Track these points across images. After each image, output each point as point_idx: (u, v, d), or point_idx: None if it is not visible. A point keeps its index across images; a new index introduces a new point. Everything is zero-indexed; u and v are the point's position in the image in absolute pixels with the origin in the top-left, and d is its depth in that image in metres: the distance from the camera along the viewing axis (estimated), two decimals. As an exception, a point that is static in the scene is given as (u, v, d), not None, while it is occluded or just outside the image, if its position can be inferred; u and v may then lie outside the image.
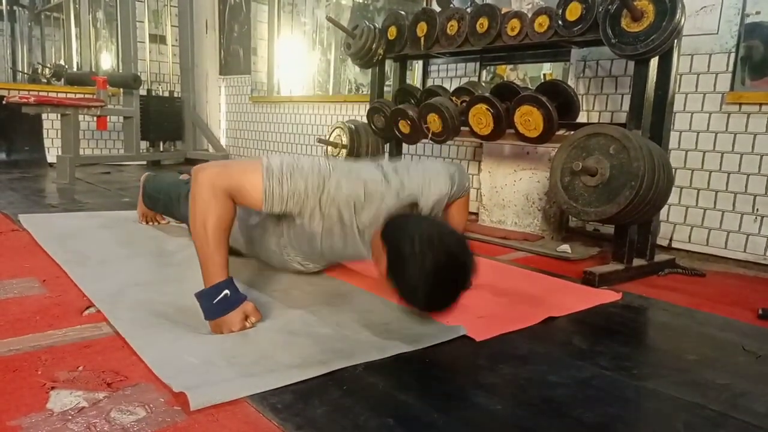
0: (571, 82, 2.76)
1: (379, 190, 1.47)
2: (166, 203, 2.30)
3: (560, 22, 2.25)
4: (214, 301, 1.30)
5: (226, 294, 1.30)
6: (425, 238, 1.20)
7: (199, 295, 1.31)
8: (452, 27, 2.66)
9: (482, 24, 2.53)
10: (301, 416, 0.96)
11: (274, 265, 1.78)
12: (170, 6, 5.69)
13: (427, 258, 1.18)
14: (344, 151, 3.21)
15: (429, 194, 1.59)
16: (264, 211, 1.38)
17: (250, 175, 1.34)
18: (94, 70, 5.62)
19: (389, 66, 3.24)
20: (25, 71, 5.90)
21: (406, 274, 1.21)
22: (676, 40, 2.01)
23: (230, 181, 1.33)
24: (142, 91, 5.15)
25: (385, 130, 3.07)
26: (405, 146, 3.37)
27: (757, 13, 2.25)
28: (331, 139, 3.33)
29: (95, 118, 4.52)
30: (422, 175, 1.60)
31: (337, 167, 1.45)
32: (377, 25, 3.00)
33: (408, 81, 3.33)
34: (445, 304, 1.28)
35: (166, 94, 5.66)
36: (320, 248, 1.56)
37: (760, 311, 1.68)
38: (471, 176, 3.32)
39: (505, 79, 3.28)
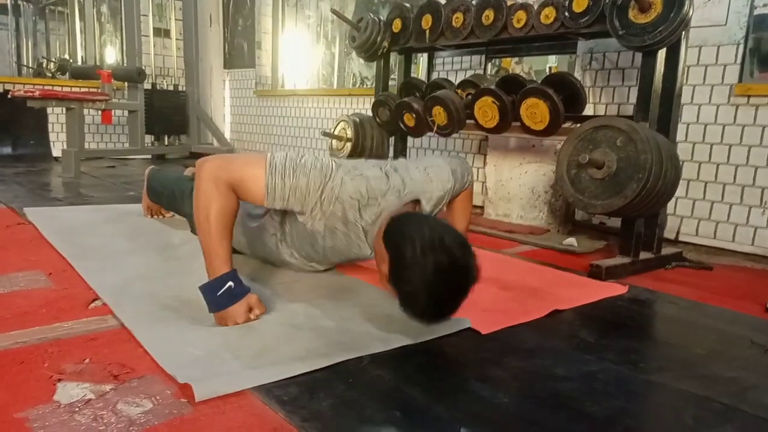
0: (577, 75, 2.74)
1: (381, 188, 1.46)
2: (170, 198, 2.30)
3: (567, 14, 2.23)
4: (218, 293, 1.30)
5: (230, 286, 1.30)
6: (427, 243, 1.18)
7: (203, 288, 1.32)
8: (458, 19, 2.65)
9: (488, 16, 2.52)
10: (307, 409, 0.95)
11: (276, 265, 1.78)
12: (174, 0, 5.68)
13: (429, 265, 1.16)
14: (349, 144, 3.20)
15: (431, 192, 1.59)
16: (266, 205, 1.37)
17: (252, 169, 1.34)
18: (98, 64, 5.62)
19: (394, 59, 3.23)
20: (30, 65, 5.91)
21: (408, 281, 1.19)
22: (684, 32, 1.99)
23: (233, 173, 1.32)
24: (147, 85, 5.15)
25: (390, 124, 3.06)
26: (410, 139, 3.35)
27: (765, 5, 2.22)
28: (336, 133, 3.32)
29: (100, 112, 4.51)
30: (423, 173, 1.59)
31: (340, 165, 1.44)
32: (382, 18, 2.99)
33: (413, 74, 3.31)
34: (445, 311, 1.25)
35: (171, 87, 5.66)
36: (322, 248, 1.55)
37: (768, 305, 1.67)
38: (476, 169, 3.30)
39: (511, 72, 3.27)
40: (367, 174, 1.47)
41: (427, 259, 1.16)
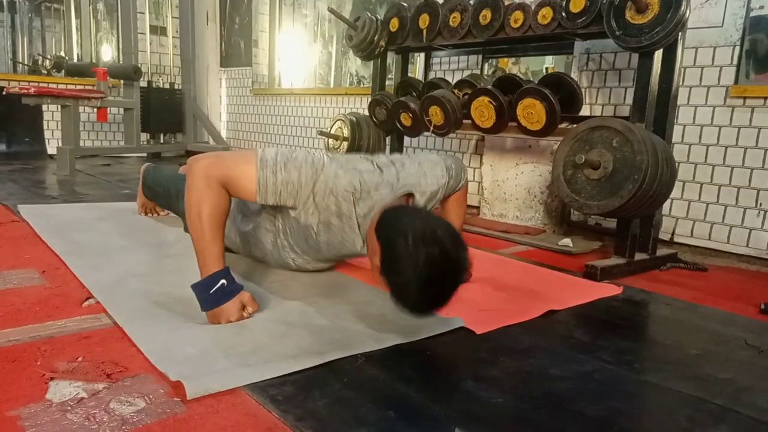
0: (574, 75, 2.74)
1: (374, 181, 1.46)
2: (165, 197, 2.29)
3: (564, 14, 2.23)
4: (211, 291, 1.29)
5: (223, 284, 1.30)
6: (419, 235, 1.18)
7: (196, 286, 1.31)
8: (455, 19, 2.64)
9: (485, 16, 2.51)
10: (301, 408, 0.95)
11: (271, 264, 1.77)
12: (171, -3, 5.67)
13: (420, 257, 1.15)
14: (345, 143, 3.19)
15: (425, 186, 1.59)
16: (258, 201, 1.37)
17: (243, 165, 1.34)
18: (94, 61, 5.60)
19: (391, 58, 3.22)
20: (26, 62, 5.88)
21: (399, 272, 1.18)
22: (680, 33, 2.00)
23: (224, 171, 1.32)
24: (143, 83, 5.13)
25: (387, 123, 3.05)
26: (407, 139, 3.35)
27: (761, 7, 2.23)
28: (332, 132, 3.32)
29: (95, 110, 4.50)
30: (418, 167, 1.59)
31: (333, 158, 1.44)
32: (379, 17, 2.98)
33: (410, 74, 3.31)
34: (436, 304, 1.24)
35: (167, 86, 5.64)
36: (316, 242, 1.54)
37: (763, 306, 1.68)
38: (473, 170, 3.30)
39: (508, 73, 3.27)
40: (360, 168, 1.47)
41: (419, 251, 1.16)
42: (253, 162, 1.34)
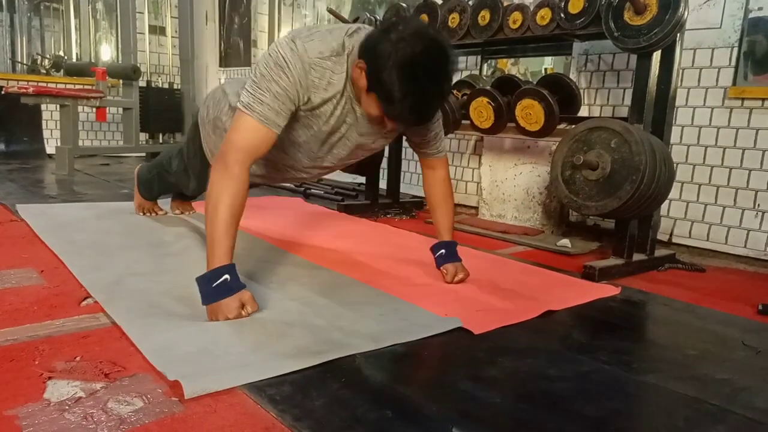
0: (572, 76, 2.74)
1: (345, 32, 1.42)
2: (159, 173, 2.28)
3: (562, 15, 2.24)
4: (213, 285, 1.30)
5: (226, 279, 1.30)
6: (400, 34, 1.21)
7: (200, 279, 1.32)
8: (453, 20, 2.65)
9: (484, 17, 2.52)
10: (299, 408, 0.95)
11: (301, 167, 1.70)
12: (170, -3, 5.67)
13: (401, 51, 1.18)
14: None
15: None
16: (278, 132, 1.37)
17: (242, 127, 1.35)
18: (93, 61, 5.59)
19: (390, 58, 3.22)
20: (25, 62, 5.87)
21: (384, 76, 1.19)
22: (678, 34, 2.00)
23: (237, 148, 1.34)
24: (142, 83, 5.12)
25: (386, 123, 3.05)
26: (405, 139, 3.35)
27: (759, 9, 2.23)
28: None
29: (94, 110, 4.50)
30: None
31: (291, 40, 1.38)
32: (378, 18, 2.99)
33: (409, 74, 3.30)
34: (427, 99, 1.25)
35: (166, 85, 5.64)
36: (331, 126, 1.49)
37: (760, 306, 1.68)
38: (471, 170, 3.31)
39: (506, 73, 3.27)
40: (324, 29, 1.45)
41: (400, 47, 1.19)
42: (243, 116, 1.35)
